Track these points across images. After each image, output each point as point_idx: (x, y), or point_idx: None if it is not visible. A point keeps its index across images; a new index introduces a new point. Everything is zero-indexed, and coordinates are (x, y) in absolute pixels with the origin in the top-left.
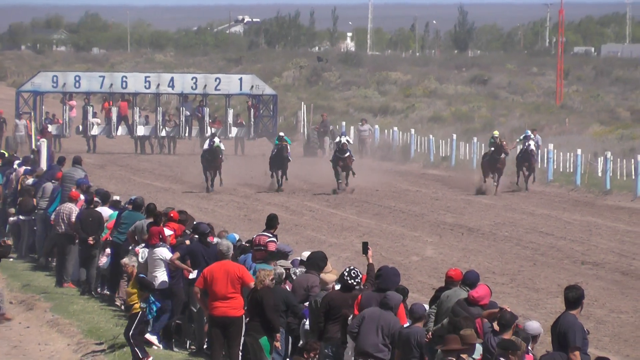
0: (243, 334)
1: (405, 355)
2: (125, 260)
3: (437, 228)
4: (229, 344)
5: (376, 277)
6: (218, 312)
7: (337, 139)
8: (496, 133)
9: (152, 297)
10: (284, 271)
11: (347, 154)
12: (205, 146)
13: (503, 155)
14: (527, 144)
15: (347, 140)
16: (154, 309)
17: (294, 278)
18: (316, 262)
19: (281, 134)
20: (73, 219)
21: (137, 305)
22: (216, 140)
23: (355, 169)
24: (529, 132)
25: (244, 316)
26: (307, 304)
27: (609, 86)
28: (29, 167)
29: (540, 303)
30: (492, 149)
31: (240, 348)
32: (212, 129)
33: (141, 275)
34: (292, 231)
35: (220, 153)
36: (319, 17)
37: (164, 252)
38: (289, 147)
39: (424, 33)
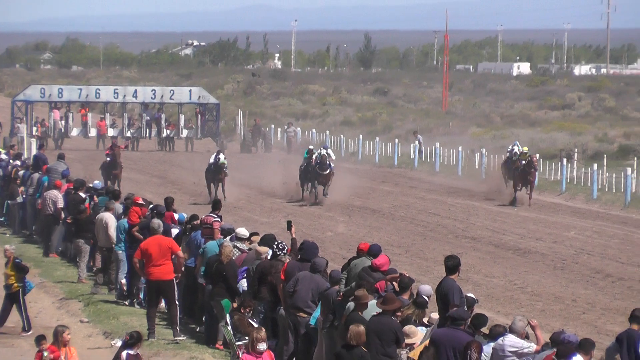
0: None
1: (328, 311)
2: (6, 246)
3: (347, 210)
4: (167, 302)
5: (299, 249)
6: (153, 277)
7: (318, 152)
8: (526, 149)
9: (26, 278)
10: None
11: (328, 170)
12: (211, 160)
13: (534, 170)
14: (513, 153)
15: (329, 154)
16: (28, 288)
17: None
18: (268, 241)
19: (311, 147)
20: (59, 203)
21: (15, 285)
22: (221, 156)
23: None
24: (517, 142)
25: (174, 279)
26: (245, 269)
27: (485, 96)
28: (21, 161)
29: (429, 269)
30: (524, 162)
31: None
32: (168, 130)
33: (17, 260)
34: (232, 212)
35: (225, 167)
36: (253, 41)
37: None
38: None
39: (337, 54)
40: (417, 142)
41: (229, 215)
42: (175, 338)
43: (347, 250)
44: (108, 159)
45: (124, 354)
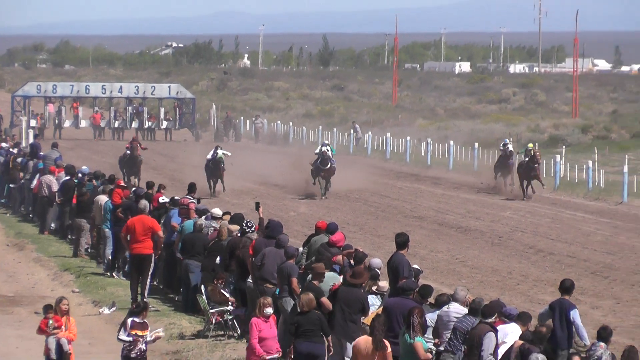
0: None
1: (283, 282)
2: None
3: (309, 192)
4: (141, 274)
5: (265, 227)
6: (135, 251)
7: (319, 149)
8: (530, 145)
9: None
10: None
11: (329, 165)
12: (209, 156)
13: (537, 165)
14: (506, 149)
15: (328, 149)
16: None
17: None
18: (237, 220)
19: (326, 142)
20: (53, 187)
21: None
22: (219, 151)
23: (251, 152)
24: (507, 140)
25: (153, 254)
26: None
27: (430, 92)
28: (18, 149)
29: (381, 245)
30: (527, 158)
31: (150, 277)
32: (149, 122)
33: None
34: (201, 190)
35: (222, 163)
36: (225, 43)
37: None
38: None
39: (299, 54)
40: (352, 131)
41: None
42: None
43: (307, 228)
44: (127, 152)
45: (129, 320)
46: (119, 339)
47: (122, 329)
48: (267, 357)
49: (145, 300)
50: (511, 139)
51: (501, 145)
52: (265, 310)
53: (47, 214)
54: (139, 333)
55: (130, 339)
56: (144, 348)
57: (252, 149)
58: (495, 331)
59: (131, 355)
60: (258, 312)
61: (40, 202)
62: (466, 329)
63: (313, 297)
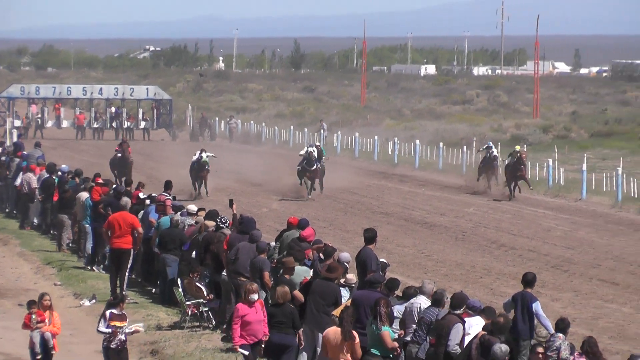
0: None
1: (255, 276)
2: None
3: (281, 189)
4: (120, 267)
5: (239, 223)
6: (115, 245)
7: (305, 150)
8: (518, 147)
9: None
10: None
11: (315, 166)
12: (194, 158)
13: (523, 166)
14: (490, 152)
15: (314, 151)
16: None
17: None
18: (212, 216)
19: (317, 143)
20: (33, 184)
21: None
22: (204, 155)
23: (226, 150)
24: (490, 143)
25: (132, 249)
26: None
27: (397, 93)
28: (3, 148)
29: (349, 240)
30: (514, 160)
31: (128, 271)
32: (128, 122)
33: None
34: (182, 191)
35: (207, 165)
36: (201, 46)
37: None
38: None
39: (271, 57)
40: (322, 130)
41: (180, 195)
42: None
43: (279, 224)
44: (118, 155)
45: (107, 312)
46: (98, 330)
47: (102, 321)
48: (239, 349)
49: (123, 292)
50: (492, 145)
51: (484, 147)
52: (250, 296)
53: (28, 210)
54: (118, 324)
55: (109, 330)
56: (124, 338)
57: (236, 150)
58: (463, 322)
59: (111, 346)
60: (243, 298)
61: (22, 198)
62: (430, 320)
63: (288, 290)
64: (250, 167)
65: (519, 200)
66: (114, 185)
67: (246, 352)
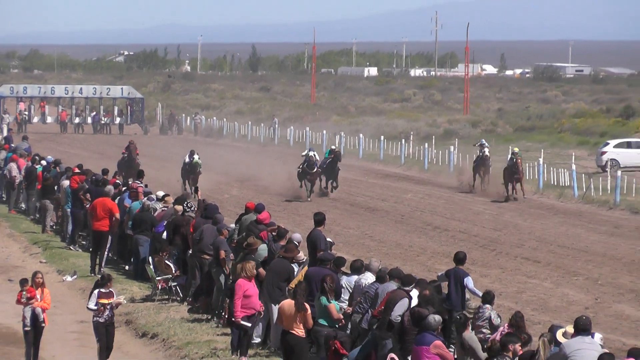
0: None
1: (217, 254)
2: None
3: (240, 177)
4: (99, 247)
5: (204, 209)
6: (95, 227)
7: (305, 152)
8: (516, 149)
9: None
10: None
11: (315, 169)
12: (186, 159)
13: (520, 170)
14: (482, 150)
15: (315, 155)
16: None
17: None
18: (180, 201)
19: (333, 147)
20: (13, 172)
21: None
22: (195, 156)
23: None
24: (484, 141)
25: (109, 231)
26: (165, 223)
27: (343, 92)
28: None
29: (301, 223)
30: (512, 162)
31: (107, 251)
32: (105, 118)
33: None
34: (154, 180)
35: (199, 167)
36: (169, 51)
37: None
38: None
39: (232, 60)
40: (276, 125)
41: (151, 183)
42: (98, 275)
43: (239, 208)
44: (125, 156)
45: (95, 292)
46: (88, 307)
47: (91, 299)
48: (241, 321)
49: (102, 269)
50: (486, 143)
51: (477, 144)
52: (250, 272)
53: (11, 195)
54: (105, 302)
55: (96, 307)
56: (111, 314)
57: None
58: (410, 298)
59: (100, 321)
60: (243, 274)
61: (6, 186)
62: (372, 293)
63: (254, 265)
64: (214, 159)
65: (452, 187)
66: (94, 175)
67: (248, 324)
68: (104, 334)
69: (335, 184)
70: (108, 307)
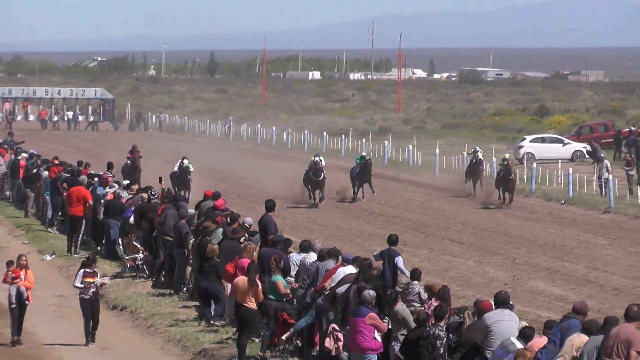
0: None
1: (177, 236)
2: None
3: (202, 167)
4: (75, 231)
5: (173, 198)
6: (71, 212)
7: (313, 158)
8: (507, 155)
9: None
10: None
11: (321, 176)
12: (175, 168)
13: (512, 176)
14: (475, 156)
15: (320, 160)
16: None
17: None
18: (146, 190)
19: (363, 153)
20: None
21: None
22: (185, 161)
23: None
24: (477, 147)
25: (83, 216)
26: (132, 209)
27: (290, 94)
28: None
29: (254, 209)
30: (503, 170)
31: (81, 234)
32: (82, 117)
33: None
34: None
35: (189, 174)
36: (137, 57)
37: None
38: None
39: (192, 66)
40: (231, 123)
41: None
42: (74, 255)
43: (199, 196)
44: (128, 162)
45: (81, 271)
46: (74, 285)
47: (77, 278)
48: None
49: (77, 250)
50: (479, 149)
51: (471, 151)
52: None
53: None
54: (90, 280)
55: (82, 285)
56: (95, 291)
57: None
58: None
59: (86, 298)
60: (245, 254)
61: None
62: (314, 271)
63: (217, 248)
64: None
65: (386, 177)
66: (70, 166)
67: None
68: (89, 309)
69: (371, 190)
70: (92, 285)
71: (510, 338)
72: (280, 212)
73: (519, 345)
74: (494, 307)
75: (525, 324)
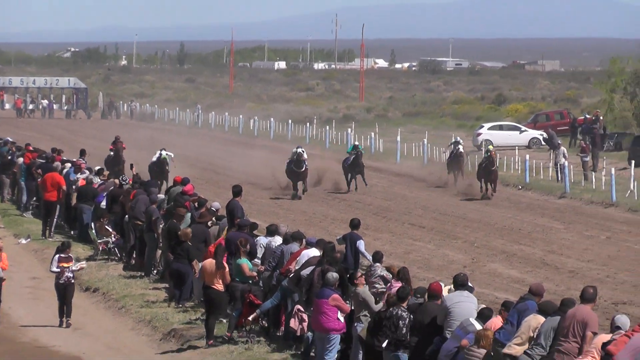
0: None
1: (148, 220)
2: None
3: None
4: (50, 215)
5: (141, 184)
6: (46, 197)
7: (294, 150)
8: (491, 147)
9: None
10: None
11: (303, 168)
12: (154, 159)
13: (495, 167)
14: (457, 148)
15: (302, 151)
16: None
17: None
18: (117, 175)
19: (356, 143)
20: None
21: None
22: (163, 152)
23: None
24: (458, 138)
25: (57, 201)
26: (105, 194)
27: (257, 83)
28: None
29: (221, 194)
30: (487, 160)
31: (55, 218)
32: (56, 105)
33: None
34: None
35: (167, 164)
36: (109, 48)
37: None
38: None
39: (162, 56)
40: (200, 111)
41: (91, 159)
42: (48, 238)
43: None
44: (111, 153)
45: (56, 256)
46: (50, 270)
47: (53, 263)
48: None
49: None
50: (460, 140)
51: (452, 142)
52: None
53: None
54: (65, 265)
55: (58, 270)
56: (70, 275)
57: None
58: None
59: (60, 282)
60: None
61: None
62: (279, 253)
63: (190, 232)
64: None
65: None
66: (44, 153)
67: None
68: (64, 293)
69: (364, 181)
70: (67, 269)
71: (470, 319)
72: (247, 197)
73: (478, 325)
74: (453, 289)
75: (483, 306)
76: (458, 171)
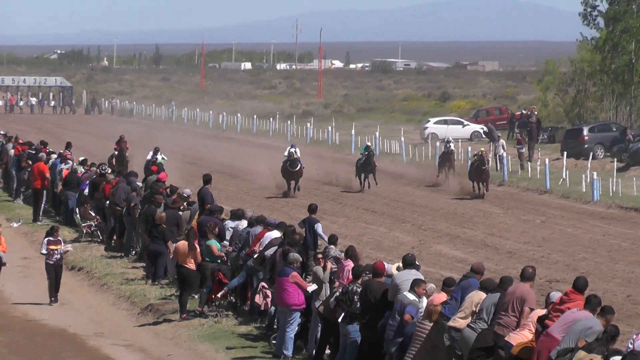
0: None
1: (128, 205)
2: None
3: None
4: (37, 201)
5: (126, 174)
6: (34, 185)
7: (288, 149)
8: (482, 149)
9: None
10: (75, 166)
11: (298, 167)
12: (148, 157)
13: (486, 166)
14: (448, 146)
15: (296, 151)
16: None
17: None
18: (98, 165)
19: (368, 143)
20: None
21: None
22: (159, 156)
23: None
24: (450, 137)
25: (42, 188)
26: (87, 182)
27: (225, 82)
28: None
29: (192, 182)
30: (478, 161)
31: (43, 204)
32: (53, 102)
33: None
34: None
35: (163, 170)
36: (92, 50)
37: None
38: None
39: (140, 57)
40: (174, 107)
41: (76, 150)
42: (37, 222)
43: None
44: (116, 152)
45: (45, 240)
46: (40, 253)
47: (42, 246)
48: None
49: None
50: (451, 139)
51: (444, 141)
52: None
53: None
54: (54, 247)
55: (47, 252)
56: (59, 257)
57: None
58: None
59: (50, 263)
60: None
61: None
62: (245, 235)
63: (164, 216)
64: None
65: (309, 154)
66: (34, 145)
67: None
68: (53, 273)
69: (375, 180)
70: (56, 252)
71: (404, 293)
72: (216, 185)
73: (412, 297)
74: (402, 267)
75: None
76: (449, 169)
